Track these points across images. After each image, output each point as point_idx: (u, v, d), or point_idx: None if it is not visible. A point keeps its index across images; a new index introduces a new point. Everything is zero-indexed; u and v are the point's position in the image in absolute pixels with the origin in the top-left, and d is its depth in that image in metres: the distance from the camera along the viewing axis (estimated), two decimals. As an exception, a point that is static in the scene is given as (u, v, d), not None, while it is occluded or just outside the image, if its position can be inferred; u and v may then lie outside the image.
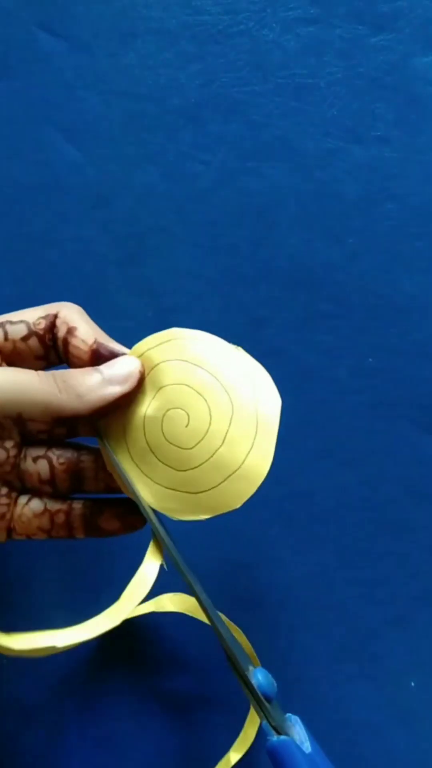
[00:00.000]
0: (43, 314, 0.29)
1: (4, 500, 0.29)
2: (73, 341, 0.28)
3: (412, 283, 0.37)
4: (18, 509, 0.29)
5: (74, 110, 0.39)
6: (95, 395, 0.27)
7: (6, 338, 0.28)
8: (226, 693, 0.35)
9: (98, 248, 0.38)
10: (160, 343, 0.28)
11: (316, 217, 0.38)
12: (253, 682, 0.26)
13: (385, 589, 0.36)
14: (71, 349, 0.28)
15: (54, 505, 0.30)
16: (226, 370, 0.27)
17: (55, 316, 0.28)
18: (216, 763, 0.34)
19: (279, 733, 0.25)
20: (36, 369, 0.29)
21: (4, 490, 0.29)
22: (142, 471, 0.28)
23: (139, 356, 0.28)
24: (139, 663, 0.36)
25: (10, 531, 0.30)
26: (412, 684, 0.35)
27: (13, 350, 0.28)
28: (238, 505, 0.26)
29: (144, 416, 0.27)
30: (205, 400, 0.27)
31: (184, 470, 0.27)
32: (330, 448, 0.36)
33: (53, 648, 0.26)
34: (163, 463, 0.27)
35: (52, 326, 0.28)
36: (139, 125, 0.39)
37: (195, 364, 0.27)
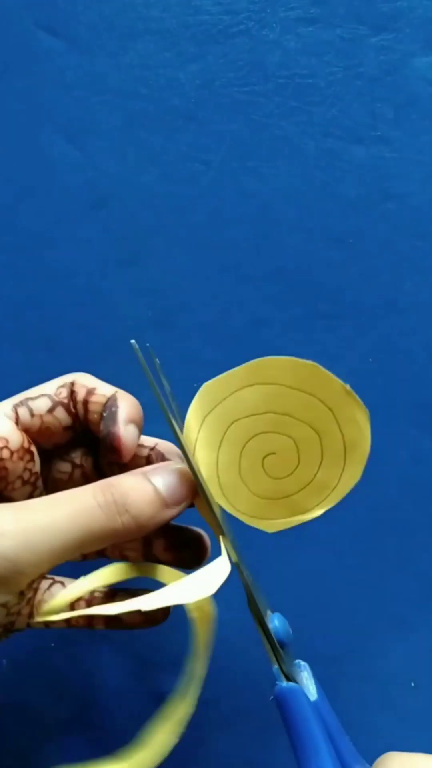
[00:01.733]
0: (60, 383, 0.28)
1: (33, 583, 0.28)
2: (92, 398, 0.27)
3: (412, 283, 0.37)
4: (39, 594, 0.29)
5: (74, 110, 0.39)
6: (154, 522, 0.26)
7: (32, 415, 0.27)
8: (227, 693, 0.35)
9: (98, 248, 0.38)
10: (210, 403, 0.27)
11: (316, 216, 0.38)
12: (270, 626, 0.26)
13: (385, 589, 0.35)
14: (91, 406, 0.27)
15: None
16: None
17: (72, 383, 0.28)
18: (216, 765, 0.34)
19: (288, 679, 0.25)
20: (64, 440, 0.28)
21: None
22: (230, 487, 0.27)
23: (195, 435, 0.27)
24: (140, 663, 0.36)
25: (30, 616, 0.29)
26: (412, 684, 0.35)
27: (41, 426, 0.28)
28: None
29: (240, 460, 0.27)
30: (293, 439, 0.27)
31: (277, 498, 0.27)
32: (330, 448, 0.36)
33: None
34: (254, 494, 0.27)
35: (72, 393, 0.28)
36: (139, 125, 0.39)
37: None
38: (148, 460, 0.29)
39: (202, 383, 0.38)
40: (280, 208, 0.38)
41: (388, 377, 0.37)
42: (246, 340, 0.37)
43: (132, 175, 0.38)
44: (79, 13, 0.39)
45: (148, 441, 0.29)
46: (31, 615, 0.29)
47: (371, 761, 0.27)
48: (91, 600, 0.29)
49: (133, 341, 0.25)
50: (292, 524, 0.28)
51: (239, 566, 0.26)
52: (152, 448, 0.29)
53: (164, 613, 0.29)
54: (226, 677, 0.35)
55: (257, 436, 0.27)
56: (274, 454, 0.27)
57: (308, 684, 0.26)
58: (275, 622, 0.27)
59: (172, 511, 0.26)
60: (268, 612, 0.27)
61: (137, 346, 0.25)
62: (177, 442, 0.26)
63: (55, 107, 0.39)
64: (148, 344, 0.27)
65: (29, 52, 0.39)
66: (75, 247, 0.38)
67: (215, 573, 0.25)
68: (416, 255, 0.37)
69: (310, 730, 0.24)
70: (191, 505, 0.27)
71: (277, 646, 0.26)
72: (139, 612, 0.27)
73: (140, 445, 0.29)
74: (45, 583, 0.29)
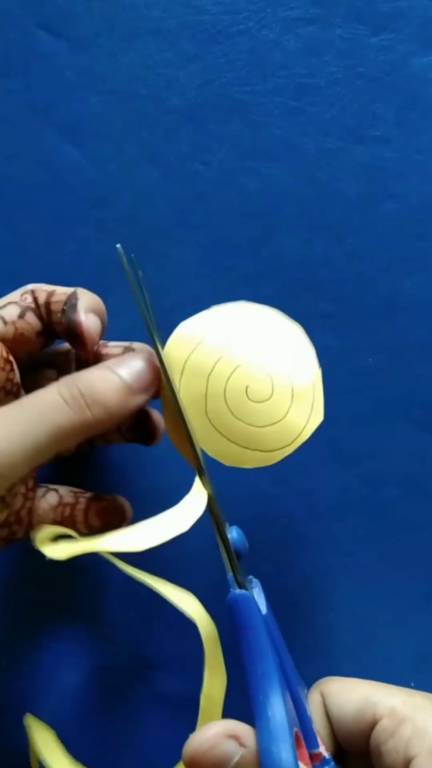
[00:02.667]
0: (21, 292, 0.29)
1: (30, 494, 0.29)
2: (54, 299, 0.28)
3: (412, 283, 0.37)
4: (36, 503, 0.30)
5: (74, 110, 0.39)
6: (124, 409, 0.26)
7: (5, 323, 0.28)
8: (227, 694, 0.35)
9: (98, 248, 0.38)
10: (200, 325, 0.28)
11: (316, 216, 0.38)
12: (228, 536, 0.27)
13: (385, 589, 0.35)
14: (53, 306, 0.28)
15: (67, 498, 0.30)
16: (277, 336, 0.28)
17: (33, 291, 0.29)
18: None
19: (241, 588, 0.26)
20: (38, 347, 0.29)
21: (30, 484, 0.29)
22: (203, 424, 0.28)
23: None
24: (140, 663, 0.36)
25: (29, 526, 0.30)
26: (412, 684, 0.35)
27: (15, 332, 0.28)
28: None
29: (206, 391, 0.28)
30: (270, 376, 0.28)
31: (243, 444, 0.28)
32: (330, 448, 0.36)
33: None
34: (222, 435, 0.28)
35: (35, 298, 0.28)
36: (139, 125, 0.39)
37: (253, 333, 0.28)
38: None
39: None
40: (280, 207, 0.38)
41: (388, 377, 0.37)
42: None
43: (132, 175, 0.38)
44: (79, 12, 0.39)
45: (122, 344, 0.30)
46: (30, 525, 0.30)
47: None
48: (75, 505, 0.30)
49: (118, 246, 0.26)
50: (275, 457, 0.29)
51: (202, 479, 0.27)
52: (127, 347, 0.30)
53: (120, 519, 0.31)
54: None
55: (237, 370, 0.28)
56: (249, 387, 0.28)
57: (258, 598, 0.26)
58: (233, 533, 0.27)
59: (140, 398, 0.27)
60: (227, 524, 0.28)
61: (122, 251, 0.26)
62: (155, 350, 0.27)
63: (55, 107, 0.39)
64: (133, 255, 0.27)
65: (29, 51, 0.39)
66: (74, 247, 0.38)
67: (190, 510, 0.26)
68: (416, 255, 0.37)
69: (259, 636, 0.25)
70: (157, 395, 0.28)
71: (234, 555, 0.27)
72: (98, 518, 0.30)
73: (114, 346, 0.30)
74: (40, 491, 0.30)
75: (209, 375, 0.28)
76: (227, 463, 0.28)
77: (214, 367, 0.28)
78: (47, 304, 0.28)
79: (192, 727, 0.35)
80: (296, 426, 0.28)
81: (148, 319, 0.27)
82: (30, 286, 0.29)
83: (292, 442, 0.28)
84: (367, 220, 0.38)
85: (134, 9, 0.39)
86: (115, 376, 0.27)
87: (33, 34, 0.39)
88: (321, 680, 0.28)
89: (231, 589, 0.26)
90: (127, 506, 0.32)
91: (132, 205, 0.38)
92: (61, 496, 0.31)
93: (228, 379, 0.28)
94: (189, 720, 0.35)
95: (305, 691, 0.27)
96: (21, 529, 0.30)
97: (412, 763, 0.24)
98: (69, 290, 0.28)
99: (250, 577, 0.28)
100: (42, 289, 0.29)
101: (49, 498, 0.30)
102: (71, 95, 0.39)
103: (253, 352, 0.28)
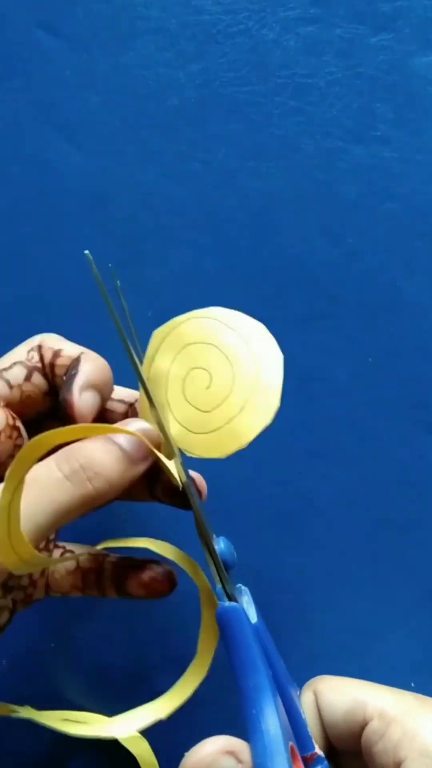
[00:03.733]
0: (29, 347, 0.27)
1: (44, 553, 0.28)
2: (58, 361, 0.27)
3: (412, 283, 0.37)
4: (52, 565, 0.29)
5: (73, 110, 0.39)
6: (125, 480, 0.25)
7: (10, 387, 0.27)
8: (227, 694, 0.35)
9: (97, 248, 0.38)
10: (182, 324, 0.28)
11: (316, 216, 0.38)
12: (215, 548, 0.26)
13: (385, 589, 0.35)
14: (57, 370, 0.27)
15: (86, 563, 0.29)
16: (252, 338, 0.27)
17: (40, 347, 0.27)
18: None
19: (231, 599, 0.26)
20: (46, 407, 0.28)
21: (42, 544, 0.28)
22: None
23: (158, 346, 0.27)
24: (140, 663, 0.35)
25: (47, 588, 0.29)
26: (412, 684, 0.35)
27: (22, 396, 0.27)
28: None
29: (168, 372, 0.27)
30: (231, 364, 0.27)
31: (200, 432, 0.27)
32: (330, 448, 0.36)
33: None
34: (178, 421, 0.27)
35: (42, 356, 0.27)
36: (138, 125, 0.39)
37: (225, 324, 0.27)
38: (126, 417, 0.28)
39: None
40: (279, 207, 0.38)
41: (388, 377, 0.37)
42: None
43: (131, 175, 0.38)
44: (78, 12, 0.39)
45: (129, 397, 0.29)
46: (48, 586, 0.29)
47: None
48: (100, 572, 0.29)
49: (87, 252, 0.25)
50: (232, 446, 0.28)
51: (187, 489, 0.27)
52: (132, 405, 0.29)
53: (169, 588, 0.29)
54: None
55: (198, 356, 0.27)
56: (207, 371, 0.27)
57: (248, 608, 0.26)
58: (221, 544, 0.27)
59: (140, 467, 0.26)
60: (214, 535, 0.27)
61: (91, 258, 0.25)
62: (134, 370, 0.26)
63: (55, 107, 0.39)
64: (110, 264, 0.27)
65: (28, 51, 0.39)
66: (74, 247, 0.38)
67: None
68: (416, 255, 0.37)
69: (250, 649, 0.25)
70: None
71: (222, 566, 0.26)
72: (141, 588, 0.29)
73: (119, 401, 0.29)
74: (57, 552, 0.29)
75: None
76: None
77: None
78: (52, 365, 0.27)
79: (192, 728, 0.35)
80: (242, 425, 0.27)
81: (124, 334, 0.26)
82: (37, 340, 0.28)
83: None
84: (366, 220, 0.38)
85: (134, 9, 0.39)
86: (114, 447, 0.25)
87: (33, 34, 0.39)
88: (314, 679, 0.28)
89: (220, 602, 0.26)
90: (174, 575, 0.30)
91: (131, 204, 0.38)
92: (77, 561, 0.29)
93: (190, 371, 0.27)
94: (188, 721, 0.35)
95: (297, 691, 0.27)
96: (38, 591, 0.29)
97: (402, 766, 0.23)
98: (75, 352, 0.27)
99: (239, 585, 0.28)
100: (48, 346, 0.27)
101: (66, 562, 0.29)
102: (71, 95, 0.39)
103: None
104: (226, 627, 0.25)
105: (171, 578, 0.29)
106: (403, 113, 0.38)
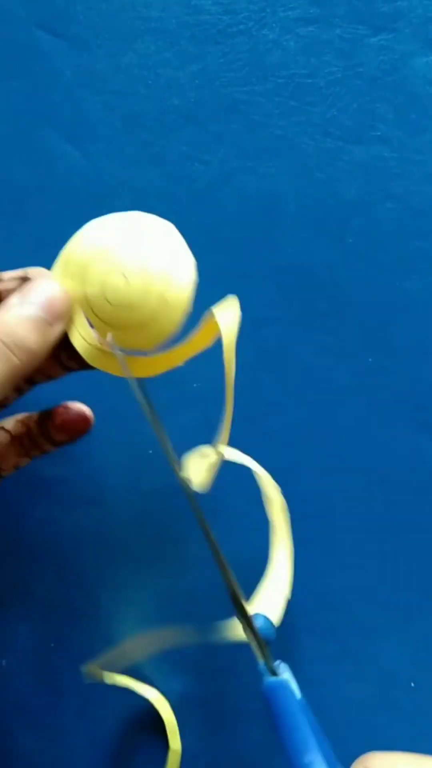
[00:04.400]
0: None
1: None
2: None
3: (412, 283, 0.37)
4: None
5: (73, 110, 0.39)
6: (46, 344, 0.26)
7: None
8: (227, 695, 0.35)
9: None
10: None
11: (315, 216, 0.38)
12: (256, 623, 0.26)
13: (385, 589, 0.35)
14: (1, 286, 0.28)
15: (18, 430, 0.31)
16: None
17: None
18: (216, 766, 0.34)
19: (273, 675, 0.26)
20: None
21: None
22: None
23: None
24: (138, 664, 0.35)
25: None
26: (412, 685, 0.35)
27: None
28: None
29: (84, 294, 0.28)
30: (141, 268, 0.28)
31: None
32: (330, 448, 0.36)
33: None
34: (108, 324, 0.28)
35: None
36: (138, 125, 0.39)
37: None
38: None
39: (201, 383, 0.38)
40: (279, 208, 0.38)
41: (388, 377, 0.37)
42: (245, 340, 0.37)
43: (131, 175, 0.38)
44: (78, 12, 0.39)
45: (14, 273, 0.30)
46: (16, 465, 0.31)
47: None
48: (26, 433, 0.31)
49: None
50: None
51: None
52: (22, 277, 0.29)
53: (84, 423, 0.31)
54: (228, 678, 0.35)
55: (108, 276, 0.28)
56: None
57: (291, 684, 0.26)
58: (260, 620, 0.28)
59: (58, 327, 0.27)
60: (252, 614, 0.28)
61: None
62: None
63: (54, 107, 0.39)
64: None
65: (28, 51, 0.39)
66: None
67: None
68: (416, 255, 0.37)
69: (301, 724, 0.24)
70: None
71: (263, 643, 0.26)
72: (62, 432, 0.31)
73: (9, 279, 0.29)
74: None
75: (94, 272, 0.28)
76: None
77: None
78: None
79: (192, 729, 0.35)
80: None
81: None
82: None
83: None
84: (366, 220, 0.38)
85: (134, 9, 0.39)
86: (27, 311, 0.26)
87: (33, 34, 0.39)
88: (364, 756, 0.26)
89: (264, 677, 0.25)
90: (86, 410, 0.31)
91: (131, 205, 0.38)
92: (9, 432, 0.31)
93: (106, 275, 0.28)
94: (189, 720, 0.35)
95: None
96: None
97: None
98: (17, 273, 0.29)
99: (278, 661, 0.27)
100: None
101: (0, 438, 0.31)
102: (71, 95, 0.39)
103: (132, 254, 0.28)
104: (274, 702, 0.25)
105: (83, 416, 0.31)
106: (403, 113, 0.38)
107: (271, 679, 0.25)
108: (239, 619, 0.27)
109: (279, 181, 0.38)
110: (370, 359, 0.37)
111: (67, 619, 0.36)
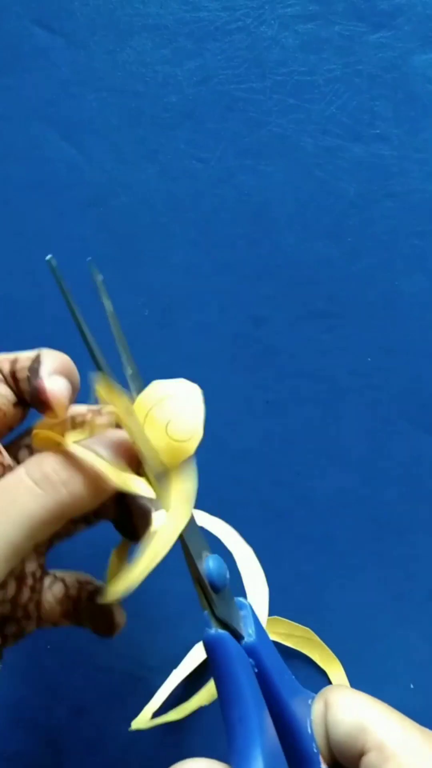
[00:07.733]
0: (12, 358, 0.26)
1: (38, 585, 0.26)
2: (18, 366, 0.25)
3: (412, 282, 0.37)
4: (43, 595, 0.27)
5: (70, 107, 0.39)
6: (105, 486, 0.23)
7: None
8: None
9: (95, 246, 0.38)
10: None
11: (314, 215, 0.38)
12: (202, 567, 0.25)
13: (386, 590, 0.35)
14: (19, 375, 0.25)
15: (73, 590, 0.27)
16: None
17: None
18: None
19: (219, 624, 0.24)
20: (19, 418, 0.26)
21: (38, 574, 0.26)
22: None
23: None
24: (135, 665, 0.35)
25: (38, 620, 0.27)
26: (412, 686, 0.35)
27: None
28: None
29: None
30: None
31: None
32: (329, 448, 0.36)
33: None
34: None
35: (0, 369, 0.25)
36: (136, 122, 0.38)
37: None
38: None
39: (200, 383, 0.37)
40: (278, 206, 0.38)
41: (387, 377, 0.37)
42: (244, 340, 0.37)
43: (129, 173, 0.38)
44: (75, 9, 0.39)
45: (29, 354, 0.26)
46: (40, 619, 0.27)
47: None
48: (77, 599, 0.28)
49: (49, 257, 0.23)
50: None
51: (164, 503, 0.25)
52: (93, 411, 0.26)
53: (110, 628, 0.28)
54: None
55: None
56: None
57: (244, 627, 0.25)
58: (209, 563, 0.25)
59: (102, 457, 0.23)
60: (204, 553, 0.25)
61: (54, 264, 0.23)
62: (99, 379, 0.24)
63: (52, 104, 0.39)
64: (89, 258, 0.25)
65: (25, 48, 0.39)
66: (71, 245, 0.38)
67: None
68: (415, 254, 0.37)
69: (235, 678, 0.24)
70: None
71: (209, 589, 0.25)
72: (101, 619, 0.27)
73: (24, 359, 0.26)
74: (47, 581, 0.27)
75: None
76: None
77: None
78: (12, 373, 0.25)
79: (191, 729, 0.35)
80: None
81: (96, 350, 0.24)
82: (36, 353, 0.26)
83: None
84: (365, 218, 0.38)
85: (131, 5, 0.39)
86: (89, 450, 0.23)
87: (29, 30, 0.39)
88: (327, 688, 0.26)
89: (206, 629, 0.24)
90: (119, 614, 0.28)
91: (129, 202, 0.38)
92: (67, 588, 0.27)
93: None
94: (186, 722, 0.35)
95: (310, 699, 0.27)
96: (31, 623, 0.27)
97: None
98: (32, 354, 0.25)
99: (239, 599, 0.26)
100: (3, 358, 0.25)
101: (55, 590, 0.27)
102: (68, 92, 0.39)
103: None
104: (211, 656, 0.24)
105: (109, 618, 0.28)
106: (402, 111, 0.38)
107: (210, 632, 0.24)
108: (186, 559, 0.25)
109: (277, 179, 0.38)
110: (369, 359, 0.37)
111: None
